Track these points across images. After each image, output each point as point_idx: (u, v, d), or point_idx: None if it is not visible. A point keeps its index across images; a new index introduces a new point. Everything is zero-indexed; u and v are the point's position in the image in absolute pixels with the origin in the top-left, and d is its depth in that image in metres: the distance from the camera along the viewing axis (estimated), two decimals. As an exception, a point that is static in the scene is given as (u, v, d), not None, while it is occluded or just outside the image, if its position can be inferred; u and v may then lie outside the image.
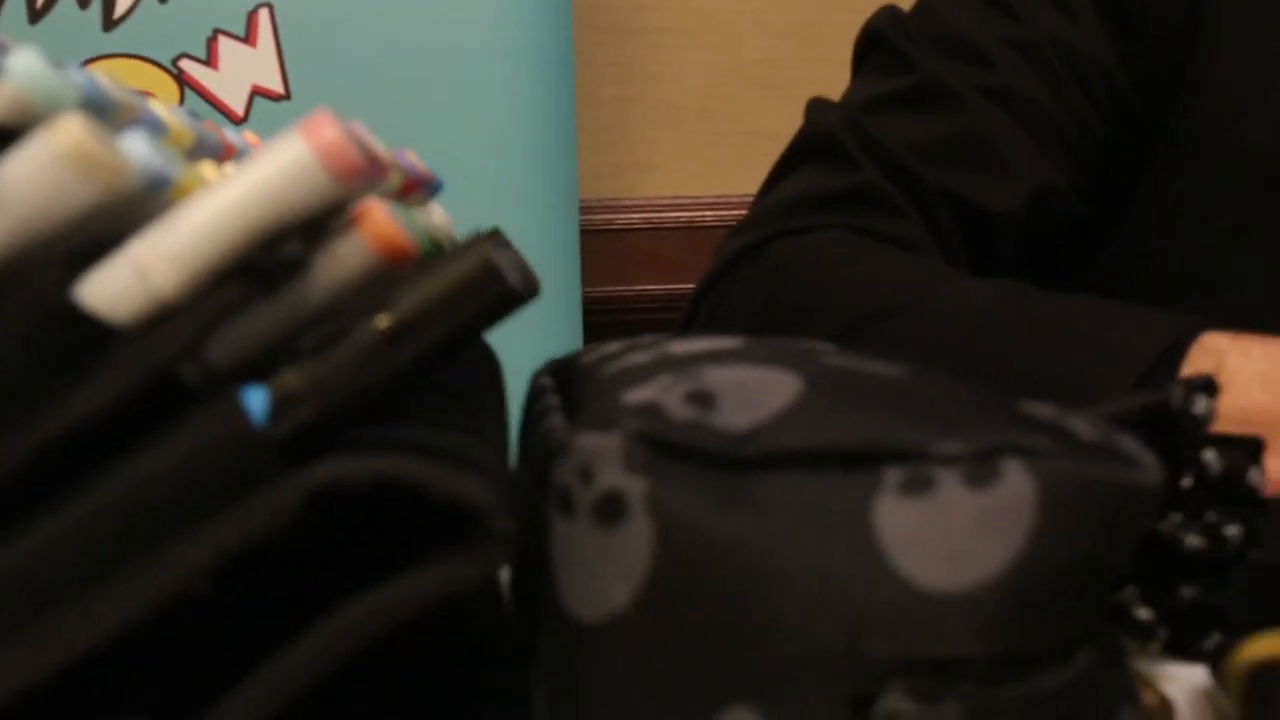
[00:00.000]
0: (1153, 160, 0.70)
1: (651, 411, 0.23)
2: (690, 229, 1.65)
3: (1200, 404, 0.32)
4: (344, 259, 0.22)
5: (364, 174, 0.21)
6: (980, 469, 0.22)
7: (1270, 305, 0.66)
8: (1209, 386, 0.32)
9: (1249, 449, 0.34)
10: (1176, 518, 0.32)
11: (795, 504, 0.21)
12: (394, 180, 0.33)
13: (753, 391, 0.23)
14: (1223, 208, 0.67)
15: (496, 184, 1.41)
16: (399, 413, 0.22)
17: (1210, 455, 0.33)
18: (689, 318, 0.75)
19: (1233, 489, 0.34)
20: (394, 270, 0.23)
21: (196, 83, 1.27)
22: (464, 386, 0.28)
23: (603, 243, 1.59)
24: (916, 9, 0.73)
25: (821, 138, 0.72)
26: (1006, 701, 0.21)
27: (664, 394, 0.23)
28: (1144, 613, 0.32)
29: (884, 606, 0.21)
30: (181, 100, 1.24)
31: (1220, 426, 0.52)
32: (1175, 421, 0.32)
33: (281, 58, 1.33)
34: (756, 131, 1.52)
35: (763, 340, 0.26)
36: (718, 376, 0.24)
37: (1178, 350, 0.52)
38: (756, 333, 0.82)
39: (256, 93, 1.32)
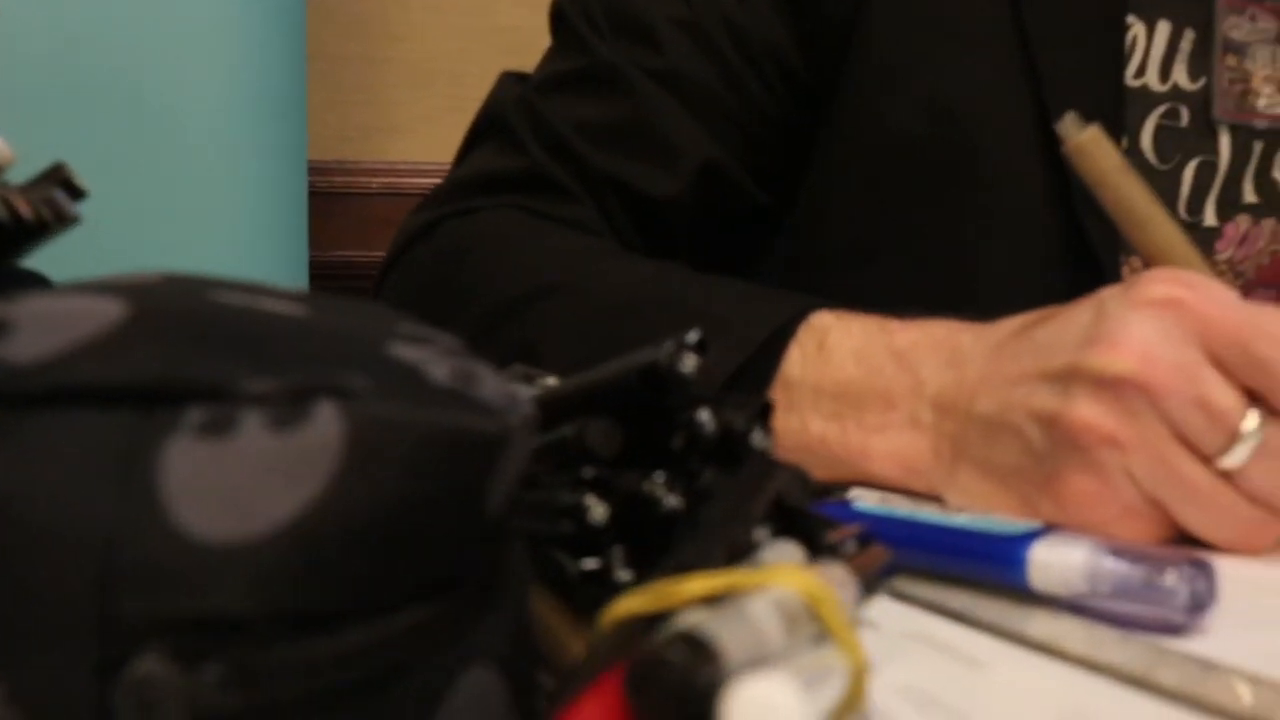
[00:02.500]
0: (818, 142, 0.71)
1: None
2: (432, 195, 1.61)
3: (688, 362, 0.31)
4: None
5: None
6: (290, 410, 0.20)
7: (910, 284, 0.67)
8: (700, 345, 0.32)
9: (752, 410, 0.34)
10: (660, 477, 0.31)
11: (65, 447, 0.19)
12: None
13: (59, 320, 0.20)
14: (870, 191, 0.68)
15: (219, 140, 1.34)
16: None
17: (705, 415, 0.32)
18: (372, 297, 0.73)
19: (735, 450, 0.33)
20: None
21: None
22: None
23: (340, 206, 1.54)
24: None
25: (495, 117, 0.71)
26: (285, 662, 0.19)
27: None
28: (625, 574, 0.31)
29: (150, 561, 0.19)
30: None
31: (816, 399, 0.53)
32: (664, 380, 0.31)
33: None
34: (502, 99, 1.49)
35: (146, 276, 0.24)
36: (29, 306, 0.21)
37: (788, 329, 0.53)
38: (425, 316, 0.81)
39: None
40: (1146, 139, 0.67)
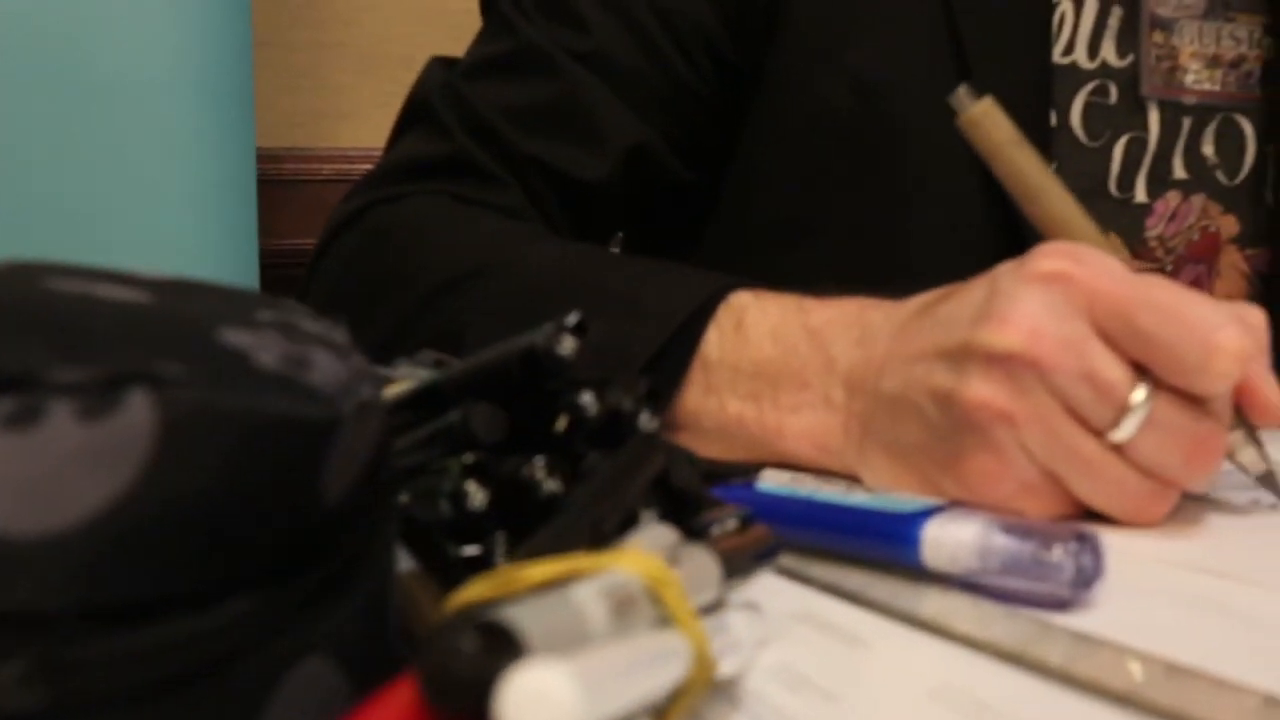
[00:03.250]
0: (747, 120, 0.70)
1: None
2: (384, 181, 1.60)
3: (565, 345, 0.31)
4: None
5: None
6: (101, 399, 0.19)
7: (841, 262, 0.67)
8: (579, 327, 0.31)
9: (640, 392, 0.34)
10: (541, 461, 0.31)
11: None
12: None
13: None
14: (801, 165, 0.68)
15: (165, 129, 1.33)
16: None
17: (587, 398, 0.32)
18: (304, 286, 0.72)
19: (622, 432, 0.33)
20: None
21: None
22: None
23: (292, 193, 1.52)
24: None
25: (422, 103, 0.71)
26: (96, 656, 0.18)
27: None
28: (506, 560, 0.31)
29: (-50, 557, 0.18)
30: None
31: (734, 379, 0.52)
32: (542, 363, 0.31)
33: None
34: (453, 83, 1.48)
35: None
36: None
37: (707, 309, 0.52)
38: (353, 304, 0.79)
39: None
40: (1076, 116, 0.67)
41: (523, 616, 0.17)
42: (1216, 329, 0.39)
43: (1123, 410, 0.40)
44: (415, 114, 0.72)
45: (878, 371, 0.46)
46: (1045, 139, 0.66)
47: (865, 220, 0.67)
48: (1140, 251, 0.69)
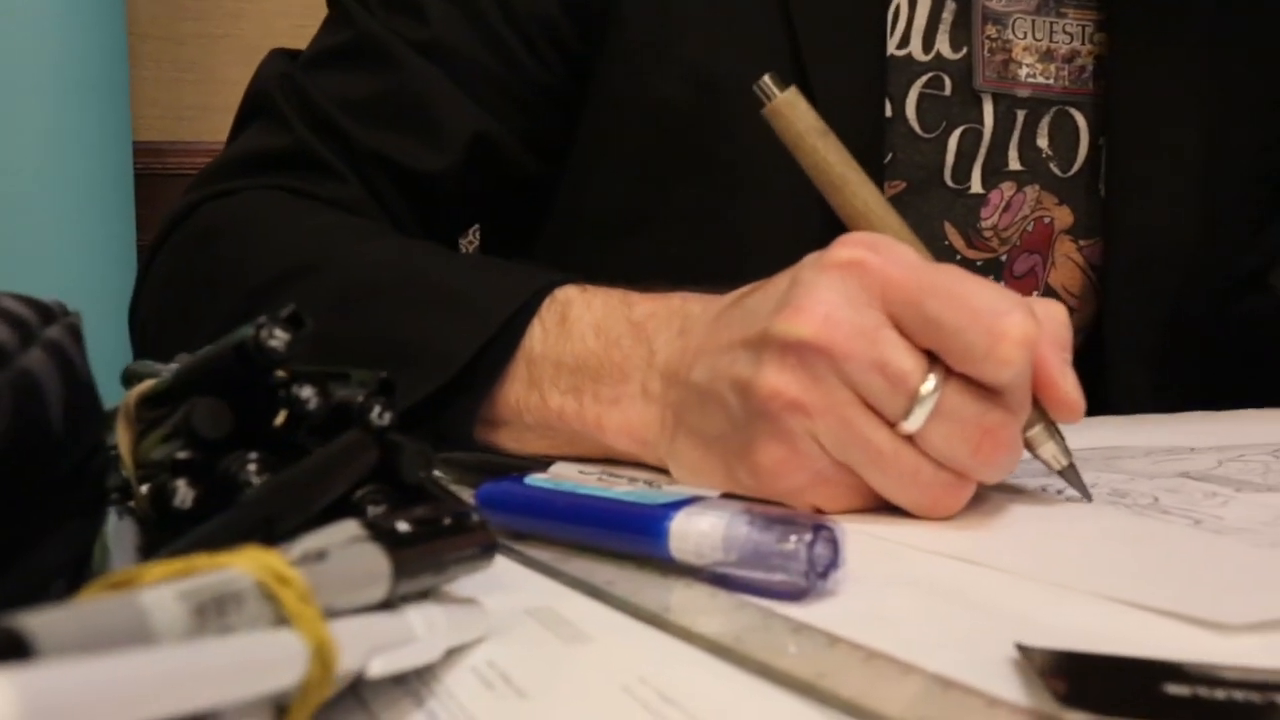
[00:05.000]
0: (588, 110, 0.70)
1: None
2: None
3: (277, 337, 0.30)
4: None
5: None
6: None
7: (680, 255, 0.67)
8: (293, 319, 0.31)
9: (371, 386, 0.33)
10: (253, 456, 0.30)
11: None
12: None
13: None
14: (637, 160, 0.68)
15: (37, 124, 1.30)
16: None
17: (307, 392, 0.31)
18: (137, 289, 0.71)
19: (349, 426, 0.32)
20: None
21: None
22: None
23: (174, 187, 1.49)
24: None
25: (261, 95, 0.70)
26: None
27: None
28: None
29: None
30: None
31: (556, 373, 0.52)
32: (252, 357, 0.30)
33: None
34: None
35: None
36: None
37: (532, 304, 0.52)
38: (183, 303, 0.77)
39: None
40: (911, 107, 0.67)
41: (46, 621, 0.16)
42: (1002, 315, 0.39)
43: (913, 400, 0.40)
44: (255, 106, 0.71)
45: (690, 362, 0.46)
46: (879, 130, 0.66)
47: (703, 211, 0.67)
48: (976, 241, 0.70)
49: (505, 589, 0.34)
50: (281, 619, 0.21)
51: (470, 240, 0.96)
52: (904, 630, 0.31)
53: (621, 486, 0.42)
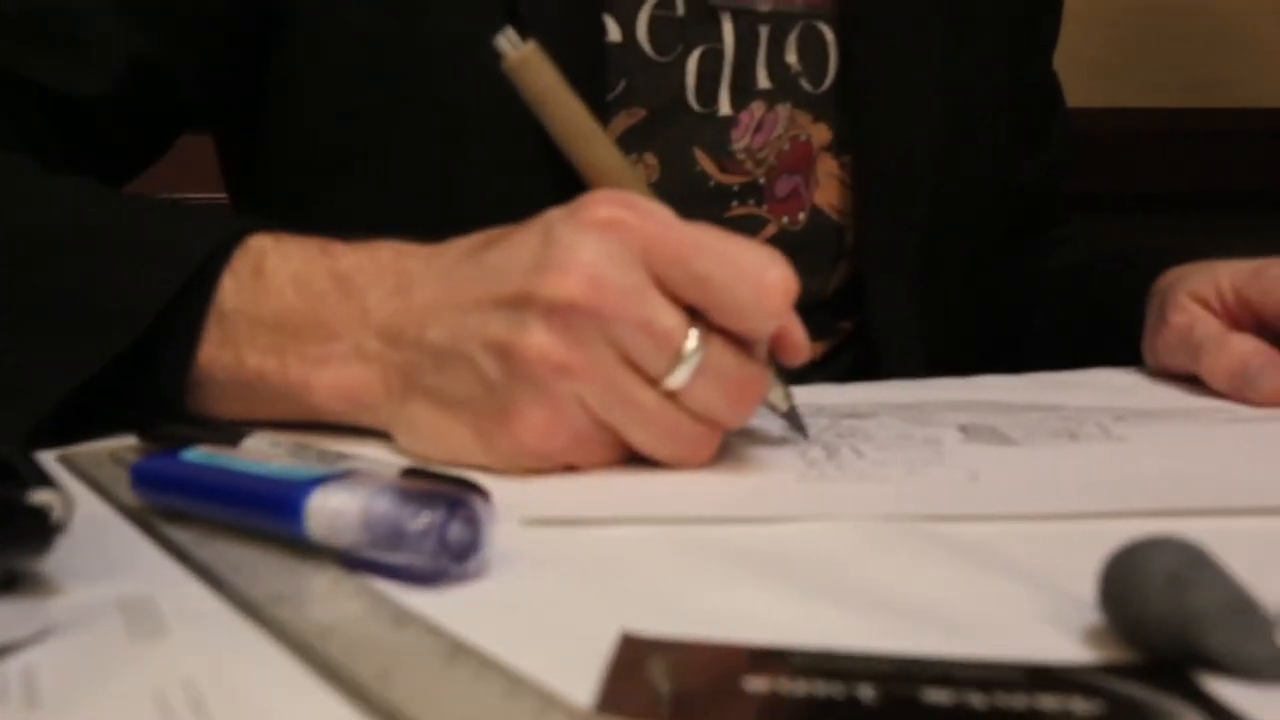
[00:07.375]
0: (285, 42, 0.65)
1: None
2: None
3: None
4: None
5: None
6: None
7: (389, 197, 0.64)
8: None
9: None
10: None
11: None
12: None
13: None
14: (339, 95, 0.64)
15: None
16: None
17: None
18: None
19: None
20: None
21: None
22: None
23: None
24: None
25: None
26: None
27: None
28: None
29: None
30: None
31: (252, 330, 0.48)
32: None
33: None
34: None
35: None
36: None
37: (221, 254, 0.49)
38: None
39: None
40: (642, 31, 0.65)
41: None
42: (766, 269, 0.41)
43: (677, 358, 0.41)
44: None
45: (420, 321, 0.44)
46: (601, 57, 0.63)
47: (413, 153, 0.63)
48: (729, 166, 0.68)
49: (112, 576, 0.31)
50: None
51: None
52: (525, 619, 0.29)
53: (297, 462, 0.40)
